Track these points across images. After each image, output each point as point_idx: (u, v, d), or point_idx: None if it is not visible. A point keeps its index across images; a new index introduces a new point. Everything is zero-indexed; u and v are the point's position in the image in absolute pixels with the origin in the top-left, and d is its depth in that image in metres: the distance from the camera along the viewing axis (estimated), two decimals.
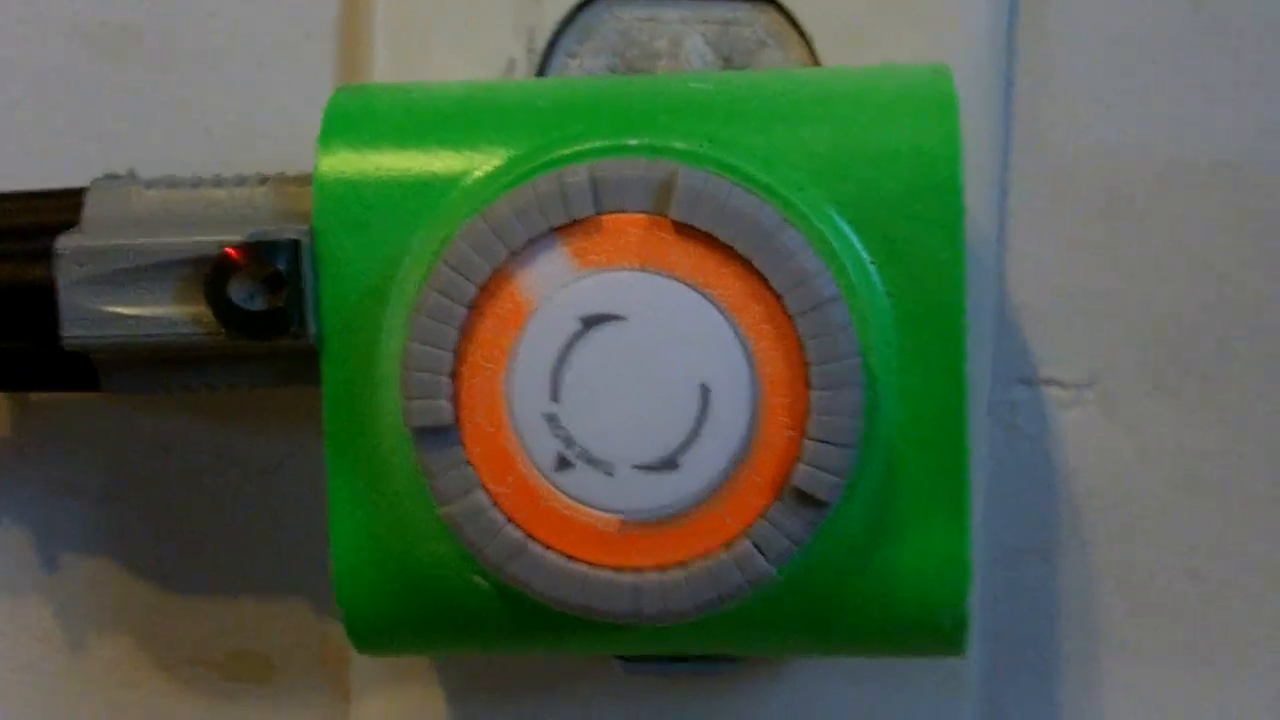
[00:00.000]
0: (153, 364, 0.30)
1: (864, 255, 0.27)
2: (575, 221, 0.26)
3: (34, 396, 0.35)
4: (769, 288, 0.26)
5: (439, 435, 0.26)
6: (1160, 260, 0.33)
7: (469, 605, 0.28)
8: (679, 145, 0.27)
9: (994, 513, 0.34)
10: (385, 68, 0.33)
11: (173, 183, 0.30)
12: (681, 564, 0.26)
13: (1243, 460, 0.33)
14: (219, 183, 0.30)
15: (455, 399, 0.26)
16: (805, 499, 0.26)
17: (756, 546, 0.26)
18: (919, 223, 0.27)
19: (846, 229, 0.27)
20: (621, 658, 0.30)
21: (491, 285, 0.26)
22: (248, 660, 0.35)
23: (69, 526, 0.35)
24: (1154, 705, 0.34)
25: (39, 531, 0.35)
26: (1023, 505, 0.34)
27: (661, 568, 0.26)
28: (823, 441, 0.26)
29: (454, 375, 0.26)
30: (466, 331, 0.26)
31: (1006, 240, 0.33)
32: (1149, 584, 0.34)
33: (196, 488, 0.35)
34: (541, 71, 0.33)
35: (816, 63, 0.33)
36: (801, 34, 0.33)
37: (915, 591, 0.27)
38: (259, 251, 0.27)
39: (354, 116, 0.28)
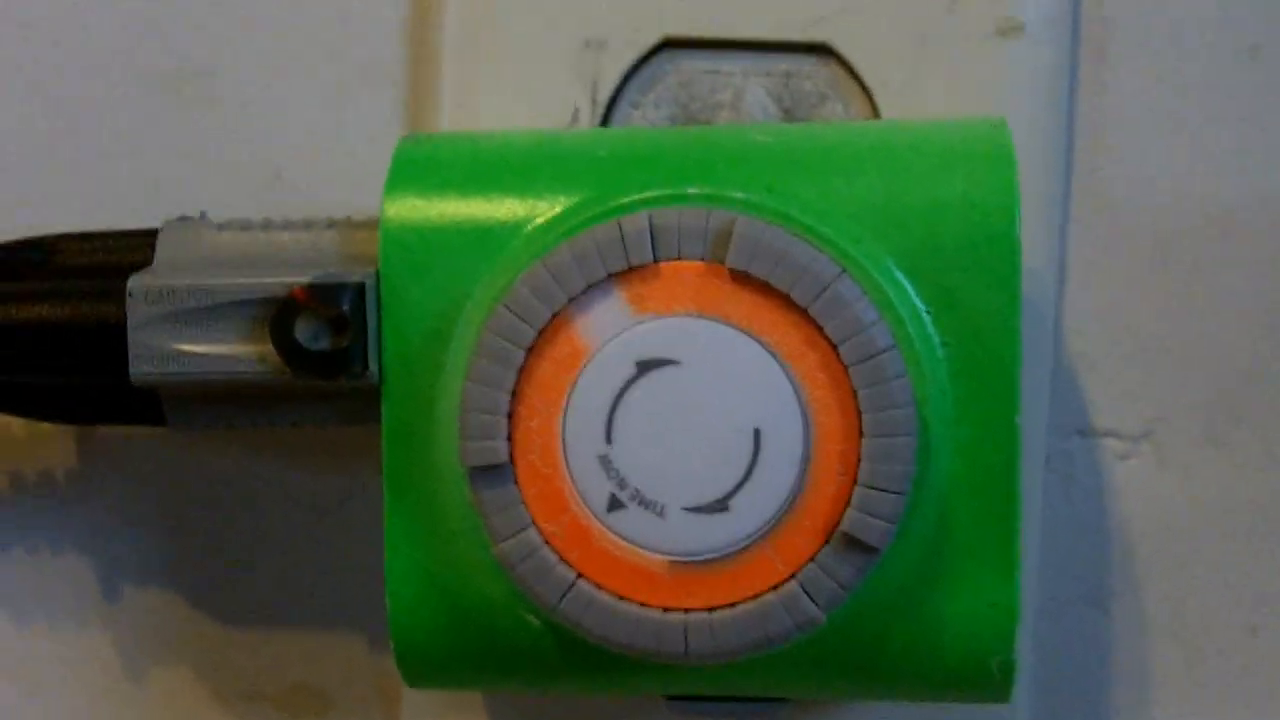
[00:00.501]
0: (218, 401, 0.30)
1: (920, 306, 0.27)
2: (633, 268, 0.27)
3: (100, 429, 0.36)
4: (824, 336, 0.26)
5: (494, 475, 0.27)
6: (1216, 310, 0.33)
7: (520, 643, 0.28)
8: (738, 195, 0.27)
9: (1048, 562, 0.34)
10: (452, 114, 0.34)
11: (243, 225, 0.31)
12: (730, 606, 0.26)
13: None
14: (287, 226, 0.31)
15: (511, 439, 0.27)
16: (855, 544, 0.26)
17: (805, 590, 0.26)
18: (975, 274, 0.27)
19: (903, 280, 0.27)
20: (670, 697, 0.30)
21: (550, 329, 0.27)
22: (304, 693, 0.36)
23: (132, 558, 0.36)
24: None
25: (102, 562, 0.36)
26: (1077, 555, 0.34)
27: (710, 609, 0.26)
28: (874, 489, 0.26)
29: (511, 416, 0.27)
30: (524, 374, 0.27)
31: (1064, 290, 0.34)
32: (1204, 636, 0.34)
33: (258, 522, 0.36)
34: (605, 121, 0.33)
35: (877, 115, 0.33)
36: (862, 86, 0.33)
37: (963, 638, 0.27)
38: (325, 293, 0.28)
39: (419, 164, 0.29)
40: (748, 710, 0.30)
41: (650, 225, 0.27)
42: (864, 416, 0.26)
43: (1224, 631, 0.34)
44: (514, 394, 0.27)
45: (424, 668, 0.29)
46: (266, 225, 0.31)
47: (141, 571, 0.36)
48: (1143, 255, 0.34)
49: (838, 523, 0.26)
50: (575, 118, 0.33)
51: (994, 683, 0.27)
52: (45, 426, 0.36)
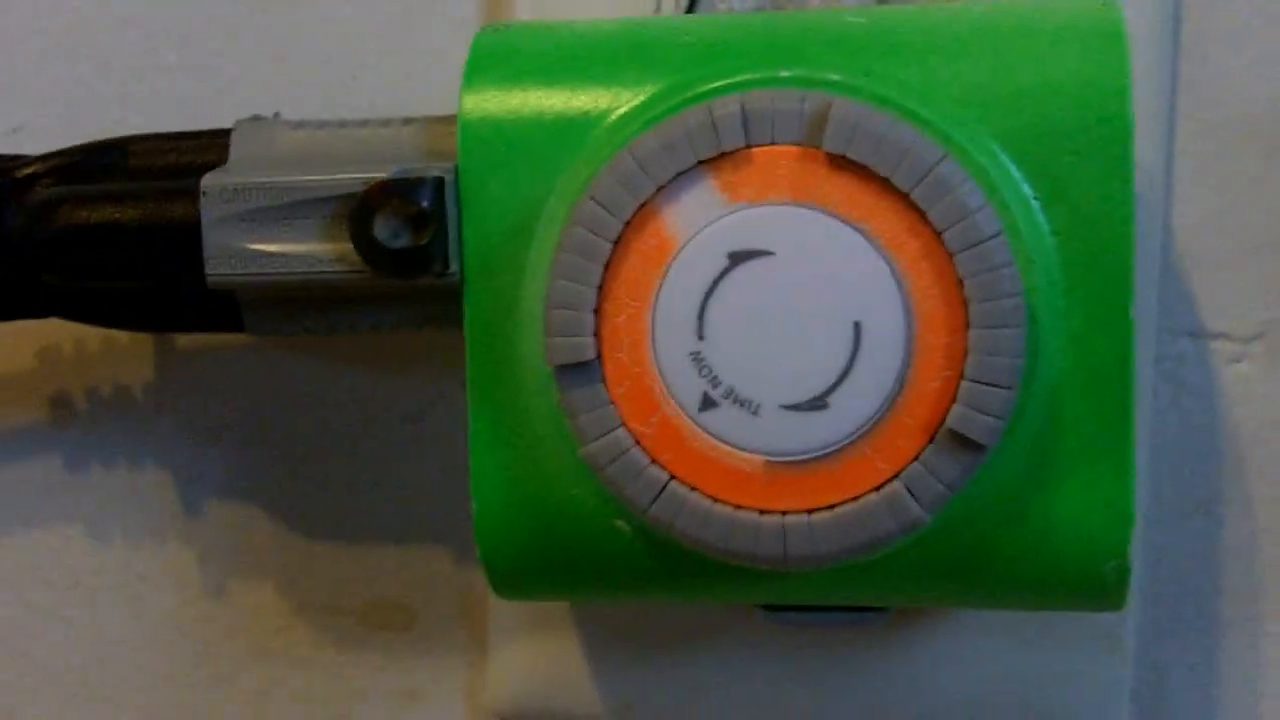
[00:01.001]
0: (296, 304, 0.29)
1: (1028, 192, 0.26)
2: (725, 154, 0.26)
3: (178, 342, 0.35)
4: (927, 223, 0.25)
5: (581, 373, 0.26)
6: None
7: (609, 550, 0.27)
8: (833, 78, 0.26)
9: (1157, 468, 0.32)
10: (529, 5, 0.33)
11: (318, 124, 0.30)
12: (830, 507, 0.25)
13: None
14: (364, 123, 0.30)
15: (598, 336, 0.26)
16: (961, 442, 0.25)
17: (909, 490, 0.25)
18: (1086, 159, 0.26)
19: (1009, 165, 0.26)
20: (765, 607, 0.29)
21: (637, 221, 0.26)
22: (388, 608, 0.35)
23: (211, 473, 0.35)
24: None
25: (181, 478, 0.36)
26: (1188, 461, 0.32)
27: (809, 511, 0.25)
28: (981, 383, 0.25)
29: (597, 312, 0.26)
30: (611, 268, 0.26)
31: (1172, 188, 0.32)
32: None
33: (338, 435, 0.35)
34: (691, 9, 0.32)
35: None
36: None
37: (1075, 542, 0.26)
38: (403, 189, 0.27)
39: (498, 55, 0.28)
40: (846, 620, 0.29)
41: (742, 109, 0.25)
42: (970, 307, 0.25)
43: None
44: (600, 289, 0.26)
45: (512, 577, 0.28)
46: (343, 123, 0.30)
47: (222, 486, 0.36)
48: (1253, 151, 0.32)
49: (943, 419, 0.25)
50: (658, 7, 0.32)
51: (1108, 589, 0.26)
52: (121, 341, 0.35)
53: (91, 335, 0.35)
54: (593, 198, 0.26)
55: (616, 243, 0.26)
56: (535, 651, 0.34)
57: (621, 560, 0.27)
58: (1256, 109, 0.32)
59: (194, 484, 0.36)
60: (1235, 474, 0.32)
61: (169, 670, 0.36)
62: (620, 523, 0.27)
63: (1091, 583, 0.26)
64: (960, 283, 0.25)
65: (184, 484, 0.36)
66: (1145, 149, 0.31)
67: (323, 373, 0.35)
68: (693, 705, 0.33)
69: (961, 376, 0.25)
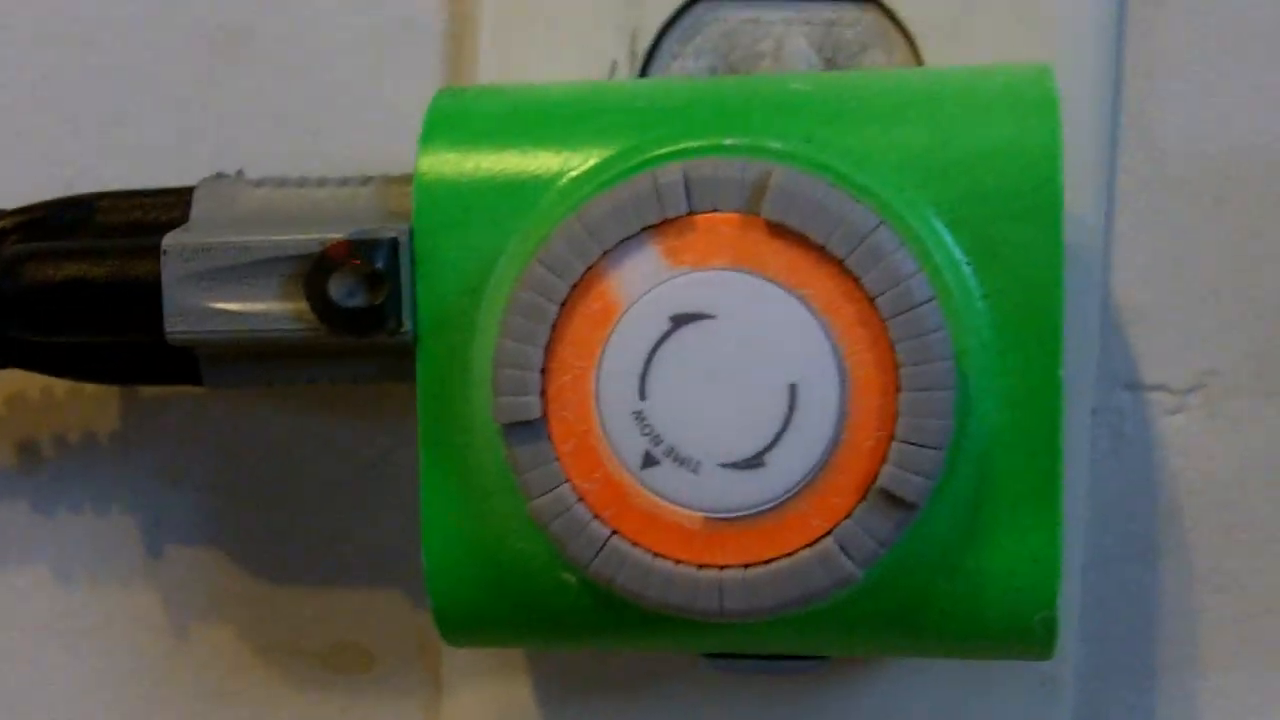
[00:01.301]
0: (254, 359, 0.30)
1: (960, 257, 0.27)
2: (668, 220, 0.26)
3: (144, 389, 0.36)
4: (862, 289, 0.26)
5: (528, 430, 0.27)
6: (1269, 260, 0.33)
7: (556, 601, 0.28)
8: (775, 145, 0.27)
9: (1096, 517, 0.33)
10: (490, 68, 0.33)
11: (279, 182, 0.31)
12: (765, 562, 0.26)
13: None
14: (323, 183, 0.31)
15: (544, 396, 0.26)
16: (893, 501, 0.26)
17: (842, 547, 0.26)
18: (1018, 223, 0.26)
19: (942, 230, 0.27)
20: (708, 655, 0.30)
21: (584, 284, 0.26)
22: (348, 650, 0.36)
23: (175, 516, 0.36)
24: (1255, 710, 0.33)
25: (146, 520, 0.36)
26: (1125, 510, 0.33)
27: (746, 566, 0.26)
28: (912, 444, 0.26)
29: (544, 372, 0.27)
30: (558, 329, 0.26)
31: (1112, 241, 0.33)
32: (1252, 592, 0.33)
33: (301, 481, 0.36)
34: (644, 73, 0.33)
35: (920, 63, 0.32)
36: (905, 33, 0.33)
37: (1005, 594, 0.27)
38: (360, 249, 0.28)
39: (454, 118, 0.29)
40: (787, 668, 0.30)
41: (685, 177, 0.26)
42: (902, 370, 0.26)
43: (1274, 588, 0.33)
44: (547, 350, 0.26)
45: (462, 625, 0.29)
46: (302, 182, 0.31)
47: (184, 530, 0.36)
48: (1193, 204, 0.33)
49: (875, 478, 0.26)
50: (614, 70, 0.33)
51: (1037, 639, 0.27)
52: (87, 387, 0.36)
53: (58, 383, 0.36)
54: (541, 261, 0.27)
55: (563, 305, 0.26)
56: (489, 695, 0.34)
57: (569, 611, 0.28)
58: (1195, 164, 0.33)
59: (159, 528, 0.36)
60: (1172, 523, 0.33)
61: (134, 711, 0.37)
62: (567, 575, 0.28)
63: (1021, 633, 0.27)
64: (893, 346, 0.26)
65: (149, 528, 0.36)
66: (1085, 203, 0.32)
67: (286, 420, 0.36)
68: None
69: (893, 437, 0.26)
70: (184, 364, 0.30)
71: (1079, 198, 0.32)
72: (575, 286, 0.26)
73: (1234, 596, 0.33)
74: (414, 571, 0.35)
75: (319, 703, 0.36)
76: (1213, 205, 0.33)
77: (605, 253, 0.26)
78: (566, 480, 0.26)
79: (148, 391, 0.36)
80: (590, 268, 0.26)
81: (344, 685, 0.36)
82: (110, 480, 0.36)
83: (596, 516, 0.26)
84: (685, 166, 0.26)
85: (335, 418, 0.35)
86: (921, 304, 0.26)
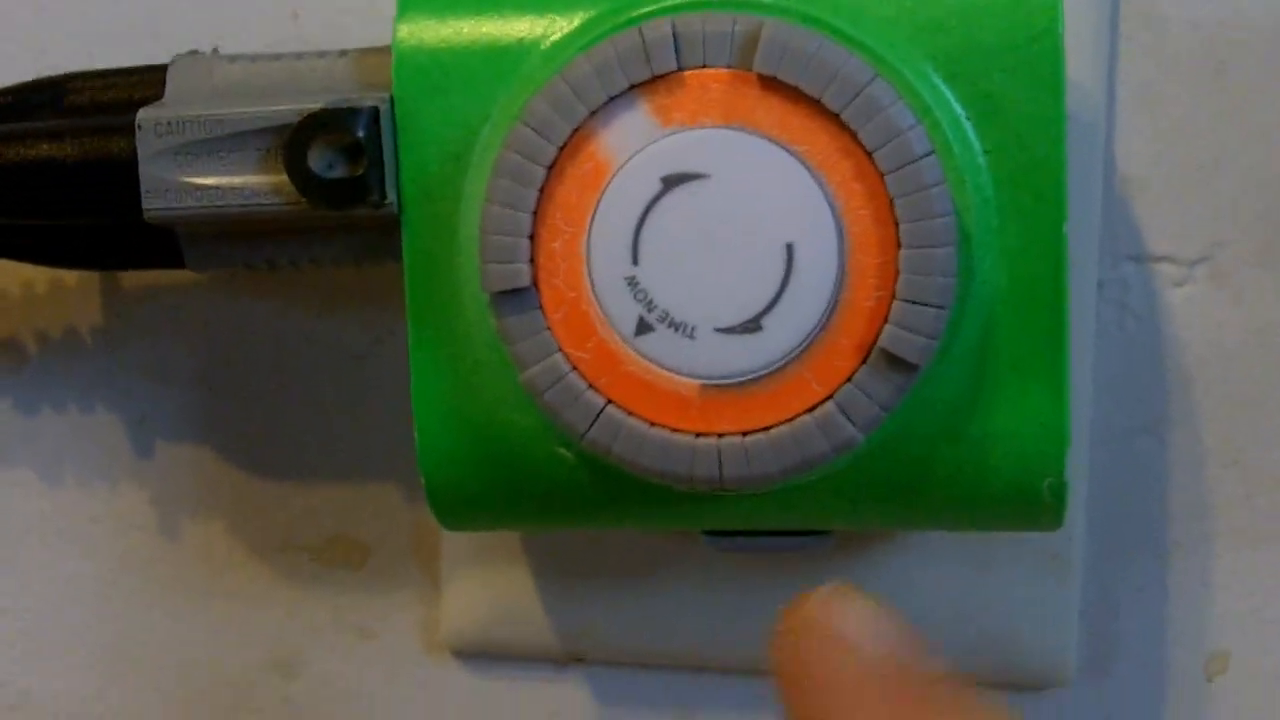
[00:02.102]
0: (235, 238, 0.29)
1: (959, 111, 0.26)
2: (657, 77, 0.26)
3: (127, 283, 0.35)
4: (859, 144, 0.25)
5: (518, 299, 0.26)
6: (1274, 130, 0.32)
7: (552, 477, 0.27)
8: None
9: (1103, 391, 0.32)
10: None
11: (254, 57, 0.30)
12: (764, 429, 0.25)
13: None
14: (300, 56, 0.30)
15: (534, 262, 0.26)
16: (894, 362, 0.25)
17: (842, 411, 0.25)
18: (1017, 75, 0.26)
19: (940, 85, 0.26)
20: (709, 533, 0.29)
21: (571, 146, 0.26)
22: (342, 544, 0.35)
23: (161, 414, 0.35)
24: (1268, 588, 0.33)
25: (132, 420, 0.35)
26: (1133, 384, 0.33)
27: (744, 433, 0.25)
28: (913, 303, 0.25)
29: (533, 238, 0.26)
30: (546, 193, 0.26)
31: (1114, 112, 0.32)
32: (1262, 463, 0.32)
33: (289, 375, 0.35)
34: None
35: None
36: None
37: (1011, 459, 0.26)
38: (338, 119, 0.27)
39: None
40: (789, 544, 0.29)
41: (673, 31, 0.25)
42: (901, 227, 0.25)
43: None
44: (535, 215, 0.26)
45: (456, 506, 0.28)
46: (279, 56, 0.30)
47: (172, 427, 0.35)
48: (1196, 74, 0.32)
49: (875, 340, 0.25)
50: None
51: (1045, 507, 0.26)
52: (70, 282, 0.35)
53: (39, 278, 0.35)
54: (526, 123, 0.26)
55: (551, 168, 0.26)
56: (488, 586, 0.34)
57: (564, 487, 0.27)
58: (1199, 33, 0.32)
59: (144, 425, 0.35)
60: (1180, 396, 0.33)
61: (123, 611, 0.36)
62: (562, 449, 0.27)
63: (1029, 500, 0.26)
64: (892, 203, 0.25)
65: (134, 426, 0.36)
66: (1086, 72, 0.31)
67: (271, 313, 0.35)
68: (645, 634, 0.34)
69: (894, 296, 0.25)
70: (165, 245, 0.29)
71: (1079, 68, 0.31)
72: (563, 149, 0.26)
73: (1244, 470, 0.33)
74: (407, 464, 0.34)
75: (313, 598, 0.35)
76: (1214, 75, 0.32)
77: (592, 113, 0.26)
78: (559, 349, 0.26)
79: (131, 285, 0.35)
80: (577, 129, 0.26)
81: (339, 580, 0.35)
82: (94, 378, 0.35)
83: (590, 386, 0.26)
84: (673, 20, 0.25)
85: (322, 310, 0.35)
86: (921, 158, 0.25)
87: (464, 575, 0.34)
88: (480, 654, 0.35)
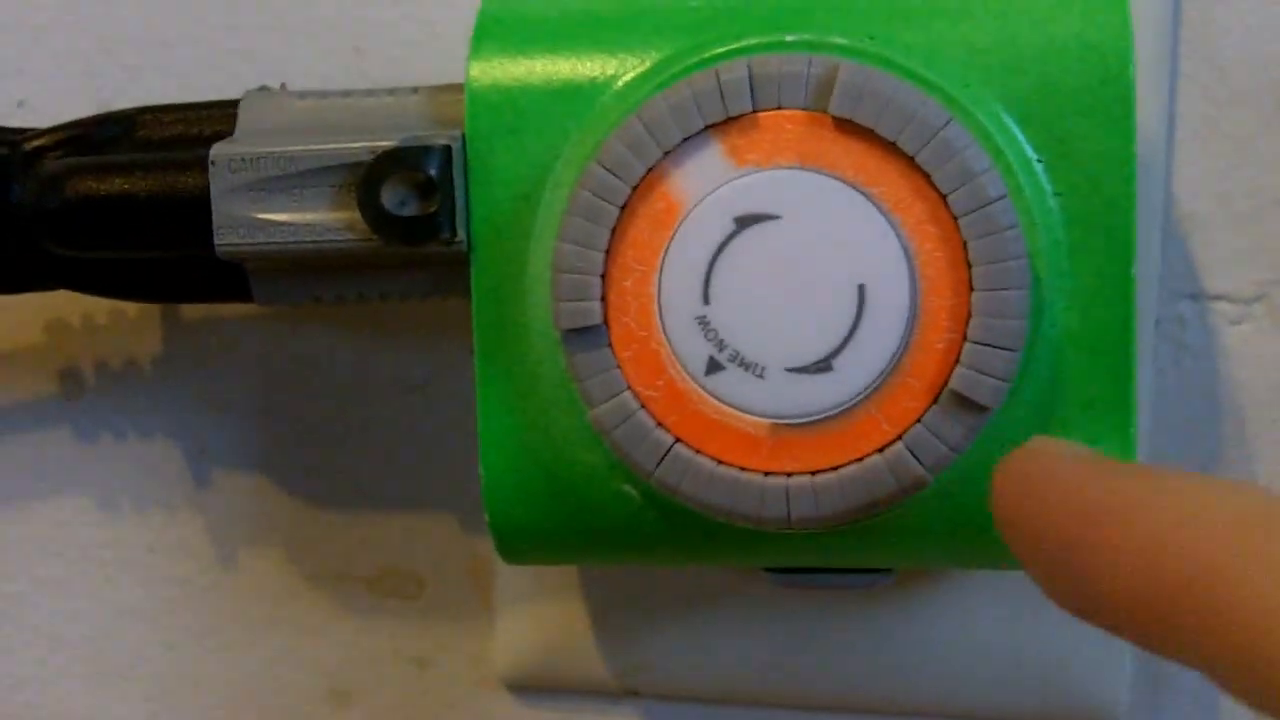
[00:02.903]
0: (304, 273, 0.30)
1: (1031, 154, 0.26)
2: (731, 119, 0.26)
3: (184, 314, 0.35)
4: (933, 186, 0.25)
5: (588, 336, 0.26)
6: None
7: (617, 514, 0.27)
8: (838, 41, 0.26)
9: (1159, 429, 0.32)
10: None
11: (325, 94, 0.30)
12: (833, 469, 0.26)
13: None
14: (371, 93, 0.30)
15: (605, 300, 0.26)
16: (964, 403, 0.25)
17: (912, 451, 0.25)
18: (1089, 118, 0.26)
19: (1013, 127, 0.26)
20: (771, 570, 0.30)
21: (645, 185, 0.26)
22: (396, 576, 0.36)
23: (219, 444, 0.36)
24: None
25: (190, 449, 0.36)
26: (1190, 422, 0.33)
27: (813, 473, 0.26)
28: (985, 345, 0.25)
29: (604, 277, 0.26)
30: (618, 232, 0.26)
31: (1173, 150, 0.32)
32: None
33: (345, 405, 0.35)
34: None
35: None
36: None
37: None
38: (411, 157, 0.27)
39: (505, 22, 0.28)
40: (852, 582, 0.29)
41: (749, 73, 0.26)
42: (974, 269, 0.25)
43: None
44: (608, 253, 0.26)
45: (519, 541, 0.28)
46: (348, 93, 0.30)
47: (230, 456, 0.36)
48: (1255, 112, 0.32)
49: (946, 381, 0.25)
50: None
51: None
52: (130, 312, 0.35)
53: (99, 308, 0.35)
54: (600, 163, 0.26)
55: (624, 208, 0.26)
56: (543, 619, 0.34)
57: (629, 524, 0.27)
58: (1257, 70, 0.32)
59: (203, 455, 0.36)
60: (1236, 434, 0.33)
61: (179, 640, 0.36)
62: (628, 487, 0.27)
63: None
64: (965, 245, 0.25)
65: (193, 455, 0.36)
66: (1146, 111, 0.32)
67: (328, 343, 0.35)
68: (701, 668, 0.34)
69: (965, 339, 0.25)
70: (233, 279, 0.30)
71: (1141, 103, 0.31)
72: (636, 188, 0.26)
73: None
74: (463, 495, 0.35)
75: (369, 629, 0.36)
76: (1274, 113, 0.32)
77: (667, 153, 0.26)
78: (628, 387, 0.26)
79: (189, 316, 0.35)
80: (651, 168, 0.26)
81: (394, 611, 0.36)
82: (152, 407, 0.36)
83: (659, 424, 0.26)
84: (749, 62, 0.26)
85: (377, 341, 0.35)
86: (994, 201, 0.25)
87: (518, 607, 0.34)
88: (535, 687, 0.35)
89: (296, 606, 0.36)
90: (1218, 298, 0.32)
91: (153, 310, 0.35)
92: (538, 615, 0.34)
